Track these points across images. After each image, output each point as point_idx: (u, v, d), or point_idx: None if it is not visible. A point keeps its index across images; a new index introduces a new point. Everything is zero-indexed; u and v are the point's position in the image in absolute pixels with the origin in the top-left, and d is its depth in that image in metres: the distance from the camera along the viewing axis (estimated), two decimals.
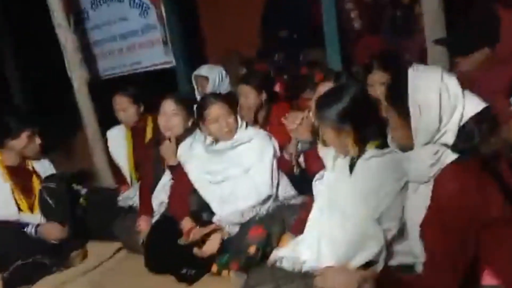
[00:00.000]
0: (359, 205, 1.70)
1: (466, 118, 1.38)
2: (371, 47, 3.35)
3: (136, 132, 3.15)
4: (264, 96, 2.96)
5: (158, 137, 2.80)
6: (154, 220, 2.64)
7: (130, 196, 2.96)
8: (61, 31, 3.45)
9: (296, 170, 2.40)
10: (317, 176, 2.02)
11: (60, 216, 2.69)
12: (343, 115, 1.72)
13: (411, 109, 1.39)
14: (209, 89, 3.64)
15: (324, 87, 2.17)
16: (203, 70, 3.77)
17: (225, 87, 3.69)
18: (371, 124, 1.72)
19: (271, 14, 4.55)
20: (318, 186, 1.97)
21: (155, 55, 4.13)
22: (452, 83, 1.40)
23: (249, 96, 2.93)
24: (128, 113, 3.10)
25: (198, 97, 3.71)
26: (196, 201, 2.46)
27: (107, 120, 3.43)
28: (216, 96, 2.55)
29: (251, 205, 2.31)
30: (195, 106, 2.61)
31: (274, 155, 2.43)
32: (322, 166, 2.01)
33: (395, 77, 1.54)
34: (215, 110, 2.43)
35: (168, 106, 2.69)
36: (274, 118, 2.83)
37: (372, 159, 1.74)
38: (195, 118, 2.58)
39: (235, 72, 3.80)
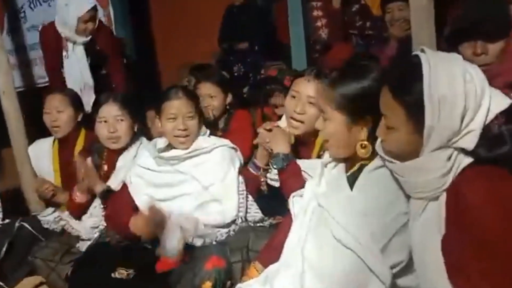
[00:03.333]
0: (361, 231, 1.29)
1: (491, 117, 1.08)
2: (340, 57, 3.07)
3: (65, 145, 2.62)
4: (229, 98, 2.60)
5: (92, 146, 2.34)
6: (83, 247, 2.15)
7: (60, 217, 2.44)
8: None
9: (264, 188, 1.98)
10: (296, 192, 1.62)
11: None
12: (366, 96, 1.32)
13: (428, 104, 1.07)
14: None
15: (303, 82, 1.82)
16: None
17: None
18: None
19: (230, 25, 4.33)
20: (298, 203, 1.57)
21: None
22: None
23: (215, 99, 2.58)
24: (62, 117, 2.55)
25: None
26: None
27: (41, 134, 2.90)
28: (185, 90, 2.10)
29: (213, 229, 1.89)
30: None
31: (240, 171, 2.04)
32: (303, 185, 1.62)
33: (399, 64, 1.20)
34: (178, 105, 2.00)
35: (110, 111, 2.25)
36: (236, 126, 2.45)
37: (379, 170, 1.33)
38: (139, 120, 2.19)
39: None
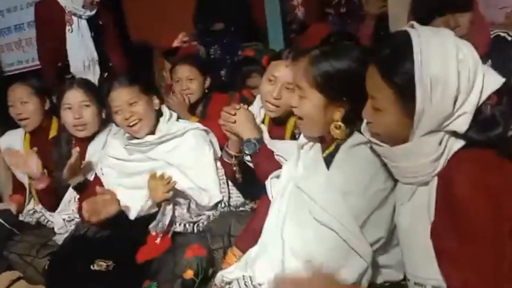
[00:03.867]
0: (341, 210, 1.27)
1: (484, 97, 1.03)
2: (317, 37, 3.02)
3: (37, 136, 2.50)
4: (208, 81, 2.53)
5: (63, 134, 2.26)
6: (59, 240, 2.09)
7: (35, 209, 2.36)
8: None
9: (238, 176, 1.91)
10: (272, 174, 1.59)
11: None
12: (346, 77, 1.29)
13: (418, 85, 1.02)
14: None
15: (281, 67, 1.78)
16: None
17: None
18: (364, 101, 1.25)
19: (205, 6, 4.20)
20: (275, 185, 1.54)
21: None
22: (470, 50, 1.05)
23: (194, 80, 2.49)
24: (28, 108, 2.43)
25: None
26: None
27: (12, 124, 2.78)
28: (123, 78, 1.98)
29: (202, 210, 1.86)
30: None
31: (215, 154, 1.99)
32: (277, 167, 1.60)
33: (387, 42, 1.13)
34: (118, 96, 1.93)
35: (75, 97, 2.17)
36: (213, 111, 2.38)
37: (359, 147, 1.32)
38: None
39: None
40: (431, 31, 1.07)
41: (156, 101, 2.00)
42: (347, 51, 1.33)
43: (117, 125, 2.12)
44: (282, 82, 1.79)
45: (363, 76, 1.15)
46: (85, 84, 2.24)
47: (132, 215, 1.88)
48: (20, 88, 2.45)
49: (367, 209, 1.26)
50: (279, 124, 1.90)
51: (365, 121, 1.22)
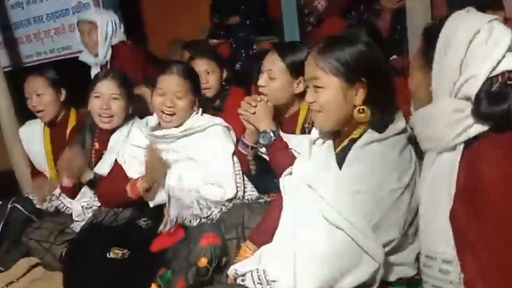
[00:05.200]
0: (352, 210, 1.26)
1: (498, 70, 1.05)
2: (334, 29, 3.00)
3: (56, 129, 2.55)
4: (225, 74, 2.55)
5: (85, 123, 2.29)
6: (77, 228, 2.13)
7: (56, 195, 2.38)
8: None
9: (252, 167, 1.94)
10: (287, 170, 1.60)
11: None
12: (360, 59, 1.31)
13: (437, 49, 1.10)
14: (99, 41, 3.05)
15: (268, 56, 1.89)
16: (89, 14, 3.19)
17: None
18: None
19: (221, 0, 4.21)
20: (289, 183, 1.54)
21: None
22: (500, 28, 1.10)
23: (212, 73, 2.50)
24: (43, 100, 2.47)
25: (90, 60, 3.14)
26: None
27: (30, 114, 2.83)
28: (183, 68, 2.02)
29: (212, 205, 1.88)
30: None
31: (234, 151, 2.00)
32: (292, 160, 1.60)
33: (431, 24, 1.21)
34: (168, 83, 1.95)
35: (107, 88, 2.18)
36: (231, 104, 2.40)
37: (371, 145, 1.31)
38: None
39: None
40: (470, 13, 1.15)
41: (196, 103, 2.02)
42: (356, 36, 1.38)
43: (141, 117, 2.14)
44: (266, 70, 1.88)
45: (375, 56, 1.24)
46: (120, 77, 2.24)
47: (152, 203, 1.92)
48: (35, 80, 2.48)
49: (379, 209, 1.25)
50: (287, 120, 1.93)
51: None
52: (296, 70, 1.85)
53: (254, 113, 1.80)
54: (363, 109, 1.32)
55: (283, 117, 1.96)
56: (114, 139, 2.23)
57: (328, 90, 1.35)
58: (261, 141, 1.79)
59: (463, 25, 1.10)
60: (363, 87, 1.32)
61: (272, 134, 1.75)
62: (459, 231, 1.05)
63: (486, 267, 0.98)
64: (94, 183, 2.16)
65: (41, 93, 2.46)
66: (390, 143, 1.30)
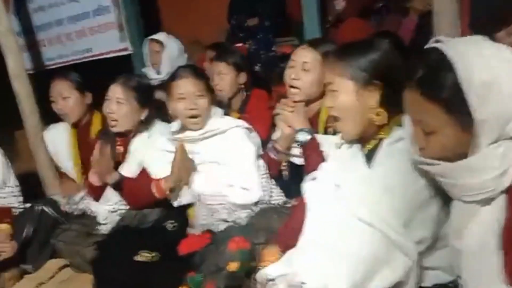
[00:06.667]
0: (383, 207, 1.26)
1: None
2: (355, 30, 2.99)
3: (81, 131, 2.58)
4: (243, 78, 2.53)
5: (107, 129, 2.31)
6: (105, 230, 2.16)
7: (80, 197, 2.43)
8: None
9: (285, 173, 1.95)
10: (310, 175, 1.59)
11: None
12: (377, 64, 1.32)
13: (470, 93, 0.98)
14: (164, 59, 3.24)
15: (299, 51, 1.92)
16: (161, 36, 3.36)
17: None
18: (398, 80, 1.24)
19: (239, 1, 4.21)
20: (313, 185, 1.53)
21: (109, 41, 3.69)
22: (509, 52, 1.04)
23: (225, 77, 2.51)
24: (69, 102, 2.50)
25: (152, 75, 3.33)
26: None
27: (53, 115, 2.88)
28: (192, 70, 2.06)
29: (238, 209, 1.87)
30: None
31: (257, 152, 2.01)
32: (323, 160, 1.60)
33: (419, 63, 1.09)
34: (186, 85, 1.97)
35: (113, 92, 2.21)
36: (253, 106, 2.40)
37: (401, 142, 1.30)
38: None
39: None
40: (461, 42, 1.06)
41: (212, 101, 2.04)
42: (375, 43, 1.38)
43: (164, 120, 2.16)
44: (299, 63, 1.90)
45: (393, 62, 1.22)
46: (125, 82, 2.23)
47: (176, 203, 1.95)
48: (61, 83, 2.52)
49: (410, 206, 1.25)
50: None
51: (415, 147, 1.17)
52: None
53: (292, 112, 1.83)
54: (379, 111, 1.33)
55: None
56: (135, 142, 2.25)
57: (342, 92, 1.36)
58: (298, 138, 1.79)
59: (485, 63, 0.99)
60: (378, 89, 1.33)
61: (308, 133, 1.77)
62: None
63: None
64: (119, 185, 2.19)
65: (66, 96, 2.50)
66: None
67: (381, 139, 1.36)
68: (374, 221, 1.26)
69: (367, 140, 1.40)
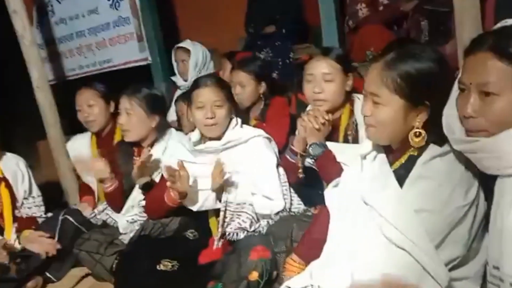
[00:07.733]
0: (414, 229, 1.20)
1: None
2: (375, 37, 2.96)
3: (103, 140, 2.64)
4: (263, 87, 2.53)
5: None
6: (125, 239, 2.17)
7: (103, 208, 2.47)
8: (18, 17, 2.89)
9: (301, 175, 1.95)
10: (332, 182, 1.58)
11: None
12: (427, 78, 1.21)
13: None
14: (190, 67, 3.29)
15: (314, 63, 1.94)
16: (186, 43, 3.41)
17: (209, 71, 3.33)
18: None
19: (256, 8, 4.21)
20: (336, 195, 1.50)
21: (128, 52, 3.75)
22: None
23: (246, 88, 2.51)
24: (94, 110, 2.58)
25: (179, 82, 3.38)
26: None
27: (75, 126, 2.93)
28: (213, 79, 2.07)
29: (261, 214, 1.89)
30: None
31: (277, 162, 2.00)
32: (340, 170, 1.59)
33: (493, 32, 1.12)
34: (206, 93, 1.98)
35: (122, 104, 2.28)
36: (272, 114, 2.39)
37: (435, 161, 1.25)
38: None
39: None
40: None
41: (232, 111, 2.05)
42: (424, 51, 1.26)
43: (178, 129, 2.18)
44: (319, 75, 1.89)
45: (444, 77, 1.15)
46: (133, 93, 2.27)
47: (196, 207, 1.98)
48: (87, 92, 2.60)
49: (444, 228, 1.20)
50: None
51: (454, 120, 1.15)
52: (346, 66, 1.93)
53: (319, 129, 1.84)
54: (419, 133, 1.26)
55: None
56: (154, 152, 2.25)
57: (389, 108, 1.27)
58: (311, 152, 1.79)
59: None
60: (425, 110, 1.25)
61: (322, 146, 1.76)
62: None
63: None
64: (147, 187, 2.18)
65: (92, 104, 2.58)
66: (453, 157, 1.23)
67: (412, 155, 1.31)
68: (404, 243, 1.21)
69: (396, 154, 1.35)
